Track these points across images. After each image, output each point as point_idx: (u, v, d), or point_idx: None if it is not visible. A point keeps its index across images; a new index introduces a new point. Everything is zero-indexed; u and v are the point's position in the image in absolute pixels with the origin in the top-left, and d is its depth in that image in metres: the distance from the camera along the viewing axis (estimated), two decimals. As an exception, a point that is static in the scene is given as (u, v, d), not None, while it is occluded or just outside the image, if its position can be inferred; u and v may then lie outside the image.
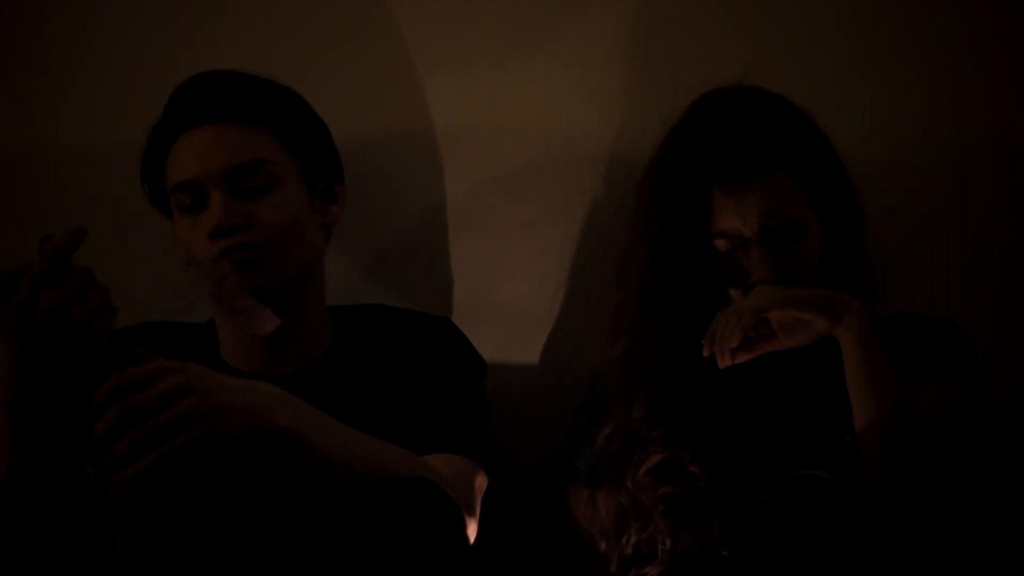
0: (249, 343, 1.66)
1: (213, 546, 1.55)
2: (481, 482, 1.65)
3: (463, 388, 1.71)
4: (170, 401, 1.28)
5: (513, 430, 1.91)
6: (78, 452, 1.41)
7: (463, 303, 2.00)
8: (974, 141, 1.98)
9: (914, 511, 1.57)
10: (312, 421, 1.39)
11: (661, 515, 1.66)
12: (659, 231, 1.73)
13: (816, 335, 1.68)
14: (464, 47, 1.99)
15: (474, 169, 2.00)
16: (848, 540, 1.61)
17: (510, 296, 2.00)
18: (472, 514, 1.60)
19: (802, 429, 1.71)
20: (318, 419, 1.40)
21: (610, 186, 1.94)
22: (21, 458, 1.37)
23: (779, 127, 1.72)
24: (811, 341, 1.68)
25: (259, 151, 1.63)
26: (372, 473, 1.39)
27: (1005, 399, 1.84)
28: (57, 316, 1.30)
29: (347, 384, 1.66)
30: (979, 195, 1.98)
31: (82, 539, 1.42)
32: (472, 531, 1.60)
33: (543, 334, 2.00)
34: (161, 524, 1.59)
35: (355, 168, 1.81)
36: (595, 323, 1.83)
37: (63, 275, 1.32)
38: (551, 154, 1.98)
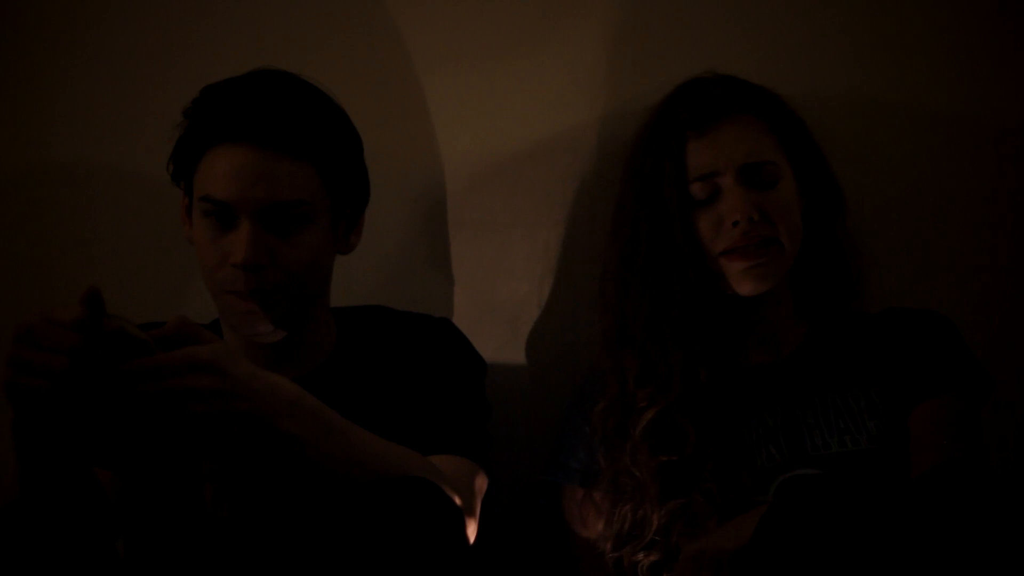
0: (253, 348, 1.65)
1: (213, 546, 1.56)
2: (481, 483, 1.65)
3: (463, 389, 1.70)
4: (195, 371, 1.29)
5: (513, 430, 1.92)
6: (85, 452, 1.41)
7: (463, 303, 2.00)
8: (972, 134, 1.98)
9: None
10: (321, 425, 1.39)
11: (655, 497, 1.66)
12: (636, 192, 1.74)
13: None
14: (464, 47, 1.99)
15: (474, 170, 2.00)
16: (846, 540, 1.60)
17: (510, 296, 2.00)
18: (472, 515, 1.60)
19: (798, 426, 1.72)
20: (328, 422, 1.40)
21: (611, 186, 1.94)
22: (25, 468, 1.37)
23: (751, 84, 1.76)
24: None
25: (300, 191, 1.58)
26: (376, 476, 1.40)
27: (1005, 398, 1.84)
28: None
29: (350, 388, 1.66)
30: (977, 190, 1.98)
31: (83, 539, 1.42)
32: (472, 531, 1.60)
33: (543, 334, 2.00)
34: (162, 524, 1.60)
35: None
36: (594, 324, 1.83)
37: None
38: (551, 155, 1.98)
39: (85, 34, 2.00)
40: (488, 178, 2.00)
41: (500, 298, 2.00)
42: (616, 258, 1.77)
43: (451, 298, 2.01)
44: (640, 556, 1.69)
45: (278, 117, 1.58)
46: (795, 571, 1.56)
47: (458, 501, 1.45)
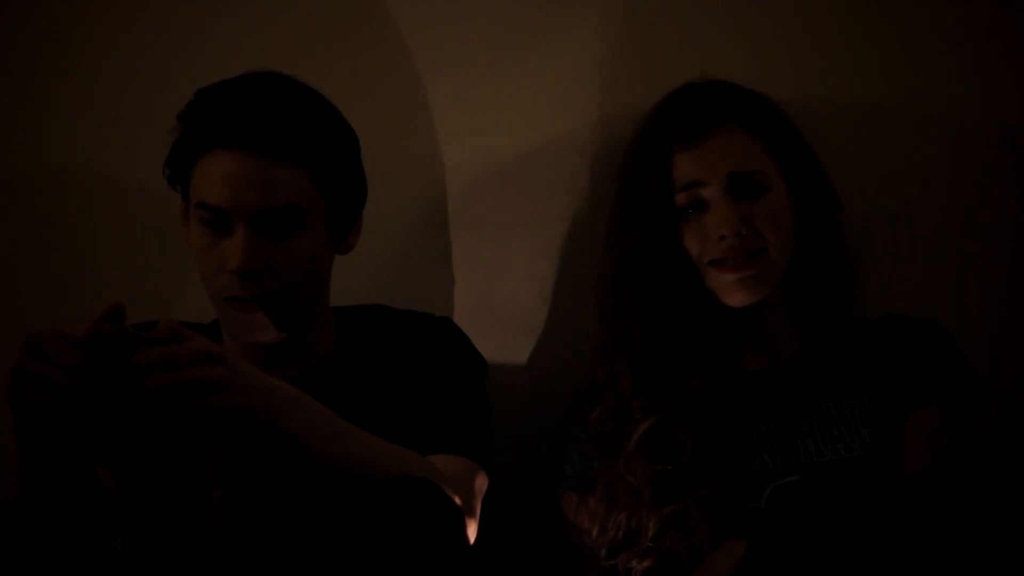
0: (253, 348, 1.65)
1: (213, 546, 1.56)
2: (481, 483, 1.65)
3: (464, 388, 1.70)
4: (203, 362, 1.30)
5: (513, 430, 1.91)
6: (85, 452, 1.42)
7: (463, 303, 2.00)
8: (974, 138, 1.98)
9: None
10: (321, 426, 1.39)
11: (650, 504, 1.66)
12: (628, 203, 1.74)
13: None
14: (465, 48, 1.99)
15: (475, 170, 2.00)
16: (841, 548, 1.59)
17: (510, 296, 2.00)
18: (472, 515, 1.60)
19: (792, 434, 1.71)
20: (327, 423, 1.41)
21: (610, 187, 1.94)
22: (26, 469, 1.38)
23: (740, 91, 1.75)
24: None
25: (294, 196, 1.58)
26: (376, 477, 1.40)
27: (1005, 399, 1.84)
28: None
29: (350, 387, 1.66)
30: (978, 194, 1.98)
31: (83, 539, 1.42)
32: (472, 532, 1.60)
33: (544, 334, 2.00)
34: (161, 524, 1.60)
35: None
36: (594, 326, 1.83)
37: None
38: (552, 156, 1.98)
39: (84, 37, 2.00)
40: (489, 178, 2.00)
41: (500, 298, 2.00)
42: (611, 268, 1.77)
43: (451, 298, 2.01)
44: (634, 563, 1.69)
45: (271, 122, 1.57)
46: None
47: (458, 501, 1.46)
